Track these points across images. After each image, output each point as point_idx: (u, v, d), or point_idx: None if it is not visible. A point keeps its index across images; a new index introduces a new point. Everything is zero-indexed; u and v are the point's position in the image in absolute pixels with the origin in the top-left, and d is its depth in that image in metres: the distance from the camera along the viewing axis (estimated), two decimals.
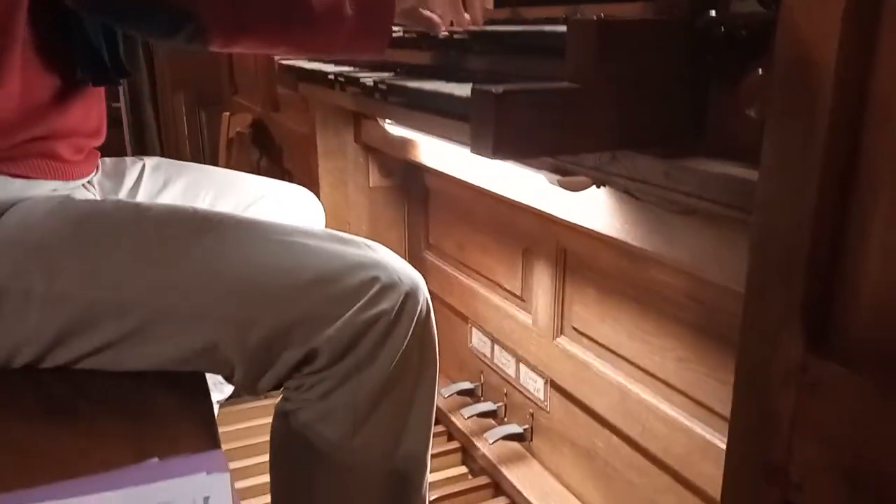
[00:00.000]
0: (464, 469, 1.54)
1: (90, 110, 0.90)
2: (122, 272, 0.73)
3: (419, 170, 1.67)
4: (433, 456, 1.50)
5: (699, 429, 0.99)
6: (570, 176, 0.86)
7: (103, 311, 0.72)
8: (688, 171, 0.68)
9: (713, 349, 0.96)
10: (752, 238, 0.56)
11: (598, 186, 0.87)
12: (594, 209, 0.95)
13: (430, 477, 1.35)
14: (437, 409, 1.61)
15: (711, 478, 0.97)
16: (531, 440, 1.43)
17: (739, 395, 0.60)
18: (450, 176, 1.55)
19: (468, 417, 1.50)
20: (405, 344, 0.79)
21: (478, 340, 1.58)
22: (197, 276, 0.74)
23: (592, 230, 0.96)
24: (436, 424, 1.60)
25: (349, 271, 0.77)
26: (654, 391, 1.08)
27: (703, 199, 0.68)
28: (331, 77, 1.10)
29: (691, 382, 1.00)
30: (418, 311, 0.81)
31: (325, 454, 0.79)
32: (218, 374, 0.80)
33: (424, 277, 1.68)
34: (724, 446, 0.95)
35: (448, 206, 1.62)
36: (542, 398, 1.37)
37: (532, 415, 1.41)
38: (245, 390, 0.82)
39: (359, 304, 0.76)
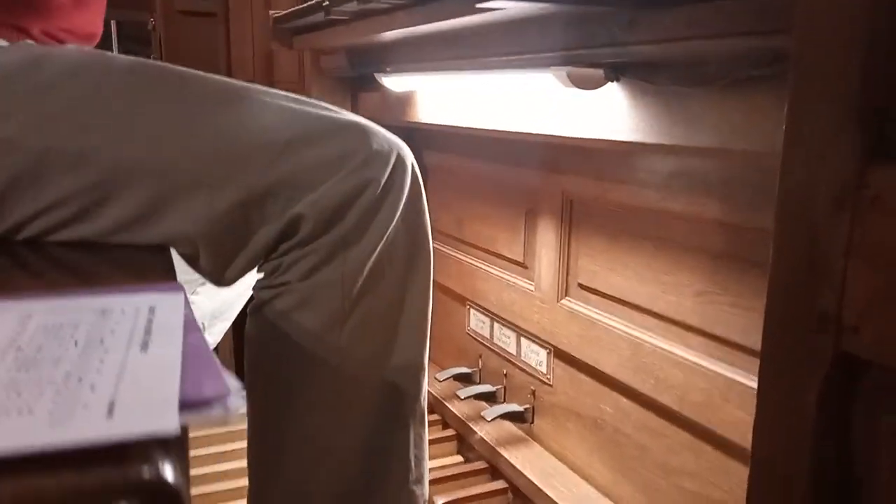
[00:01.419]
0: (459, 458, 1.43)
1: (97, 16, 0.85)
2: (77, 117, 0.65)
3: (417, 149, 1.61)
4: None
5: (720, 368, 0.90)
6: (581, 67, 0.79)
7: (55, 163, 0.64)
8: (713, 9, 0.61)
9: (737, 275, 0.88)
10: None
11: (614, 79, 0.81)
12: (608, 115, 0.88)
13: None
14: (431, 395, 1.52)
15: (734, 422, 0.87)
16: (532, 421, 1.33)
17: (781, 230, 0.52)
18: (450, 150, 1.50)
19: (465, 398, 1.40)
20: (394, 223, 0.71)
21: (476, 322, 1.50)
22: (156, 132, 0.66)
23: (609, 139, 0.88)
24: (430, 412, 1.51)
25: (334, 133, 0.69)
26: (668, 337, 0.99)
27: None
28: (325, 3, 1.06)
29: (712, 317, 0.92)
30: (408, 185, 0.73)
31: (308, 352, 0.70)
32: (179, 251, 0.72)
33: None
34: (749, 383, 0.87)
35: (447, 183, 1.56)
36: (544, 371, 1.28)
37: (533, 392, 1.32)
38: (211, 278, 0.74)
39: (346, 168, 0.68)
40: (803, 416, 0.52)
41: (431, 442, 1.41)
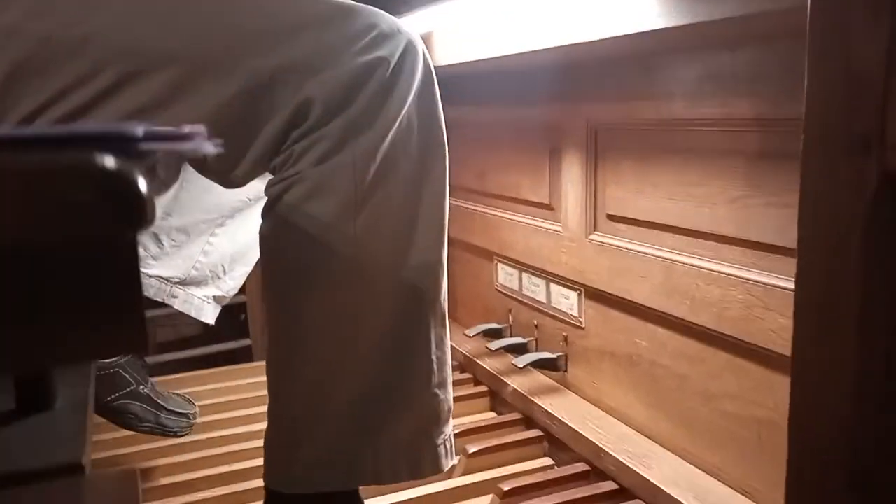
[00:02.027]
0: (492, 414, 1.39)
1: None
2: (79, 3, 0.63)
3: None
4: (456, 400, 1.36)
5: (759, 276, 0.85)
6: None
7: (58, 50, 0.62)
8: None
9: (771, 172, 0.83)
10: None
11: None
12: (630, 9, 0.84)
13: (455, 421, 1.22)
14: (461, 354, 1.48)
15: (777, 330, 0.82)
16: (566, 370, 1.29)
17: (815, 45, 0.48)
18: (469, 101, 1.47)
19: (495, 350, 1.36)
20: (406, 108, 0.68)
21: (504, 276, 1.46)
22: (160, 17, 0.64)
23: (637, 31, 0.84)
24: (461, 371, 1.48)
25: (343, 16, 0.67)
26: (702, 253, 0.94)
27: None
28: None
29: (747, 222, 0.87)
30: (420, 69, 0.70)
31: (322, 244, 0.67)
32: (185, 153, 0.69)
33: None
34: (789, 286, 0.82)
35: (467, 136, 1.52)
36: (575, 314, 1.23)
37: (566, 339, 1.27)
38: (219, 178, 0.71)
39: (355, 48, 0.65)
40: (848, 249, 0.48)
41: (462, 398, 1.37)
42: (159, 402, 1.12)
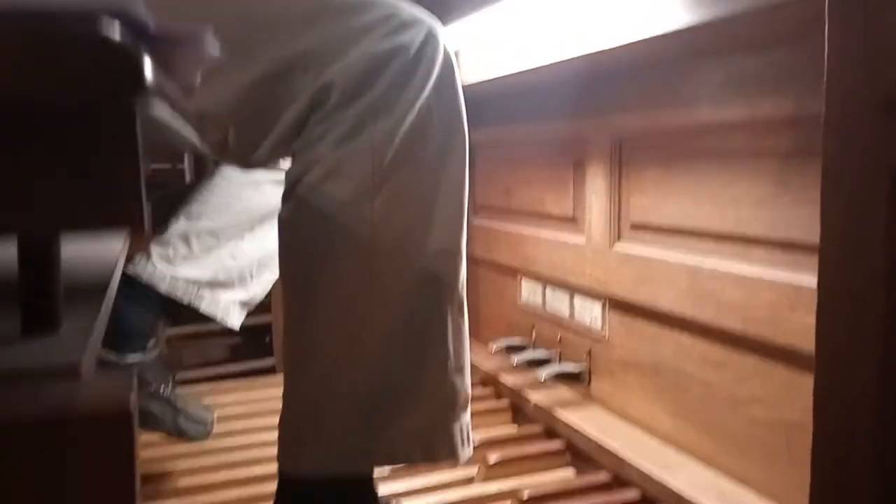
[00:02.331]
0: (514, 428, 1.38)
1: None
2: None
3: None
4: (477, 414, 1.35)
5: (785, 276, 0.85)
6: None
7: None
8: None
9: (797, 169, 0.84)
10: None
11: None
12: (654, 10, 0.85)
13: (475, 436, 1.21)
14: (483, 371, 1.47)
15: (803, 329, 0.82)
16: (589, 382, 1.28)
17: (834, 18, 0.49)
18: (494, 121, 1.49)
19: (517, 365, 1.36)
20: (426, 94, 0.70)
21: (528, 292, 1.46)
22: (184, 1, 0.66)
23: (664, 32, 0.85)
24: (483, 385, 1.47)
25: (364, 4, 0.69)
26: (728, 255, 0.94)
27: None
28: None
29: (773, 222, 0.87)
30: (440, 58, 0.72)
31: (339, 226, 0.68)
32: (208, 140, 0.71)
33: (471, 244, 1.61)
34: (815, 283, 0.82)
35: (493, 156, 1.55)
36: (599, 327, 1.23)
37: (589, 352, 1.27)
38: (238, 160, 0.73)
39: (377, 35, 0.67)
40: (875, 210, 0.48)
41: (484, 412, 1.37)
42: (178, 405, 1.13)
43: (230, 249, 1.13)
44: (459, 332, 0.75)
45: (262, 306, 2.29)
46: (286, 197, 0.72)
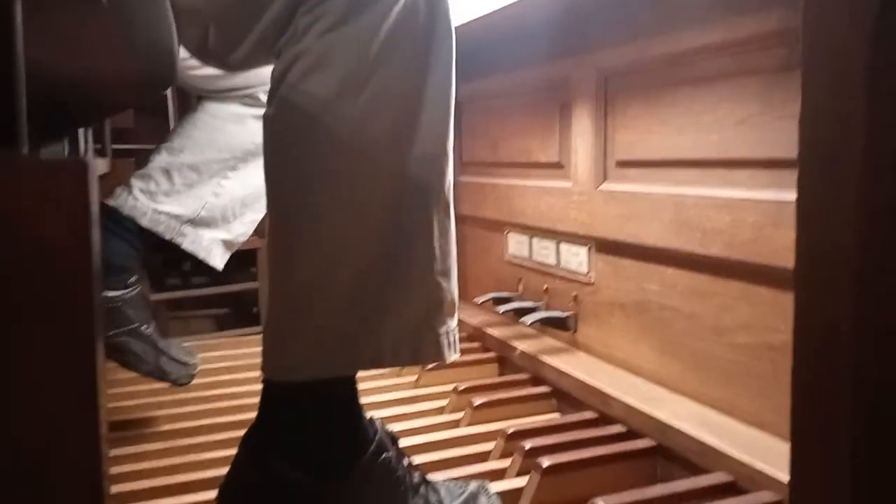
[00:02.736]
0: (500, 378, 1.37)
1: None
2: None
3: None
4: (464, 366, 1.34)
5: (769, 195, 0.85)
6: None
7: None
8: None
9: (779, 84, 0.83)
10: None
11: None
12: None
13: (461, 384, 1.20)
14: (470, 326, 1.47)
15: (789, 246, 0.81)
16: (575, 330, 1.27)
17: None
18: (481, 74, 1.48)
19: (504, 313, 1.35)
20: None
21: (515, 245, 1.45)
22: None
23: None
24: (470, 341, 1.46)
25: None
26: (713, 182, 0.94)
27: None
28: None
29: (757, 141, 0.86)
30: None
31: (322, 124, 0.66)
32: (185, 36, 0.70)
33: (458, 203, 1.59)
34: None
35: (480, 110, 1.54)
36: (585, 270, 1.22)
37: (575, 298, 1.26)
38: (218, 60, 0.72)
39: None
40: (853, 107, 0.47)
41: (470, 364, 1.36)
42: (161, 346, 1.10)
43: (213, 186, 1.12)
44: (446, 235, 0.73)
45: (249, 274, 2.28)
46: (271, 97, 0.70)
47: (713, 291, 0.95)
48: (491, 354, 1.40)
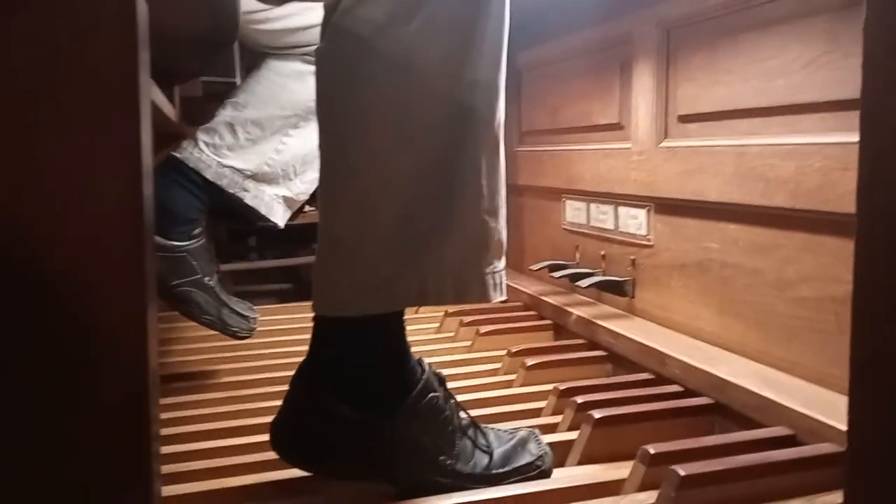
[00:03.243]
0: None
1: None
2: None
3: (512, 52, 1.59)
4: (518, 332, 1.33)
5: (836, 138, 0.81)
6: None
7: None
8: None
9: (850, 21, 0.79)
10: None
11: None
12: None
13: (514, 348, 1.19)
14: (526, 294, 1.45)
15: (854, 191, 0.77)
16: (633, 295, 1.24)
17: None
18: (541, 40, 1.47)
19: (559, 278, 1.33)
20: None
21: (572, 212, 1.43)
22: None
23: None
24: (525, 309, 1.45)
25: None
26: (777, 129, 0.90)
27: None
28: None
29: (825, 82, 0.83)
30: None
31: (373, 48, 0.66)
32: None
33: (516, 174, 1.58)
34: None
35: (540, 78, 1.52)
36: (644, 233, 1.20)
37: (633, 262, 1.24)
38: None
39: None
40: None
41: (525, 330, 1.35)
42: (223, 298, 1.13)
43: (275, 143, 1.13)
44: (494, 172, 0.72)
45: (311, 250, 2.31)
46: (323, 29, 0.71)
47: (776, 244, 0.92)
48: (546, 322, 1.38)
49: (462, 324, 1.36)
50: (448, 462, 0.74)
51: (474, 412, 0.96)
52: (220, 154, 1.09)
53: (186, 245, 1.08)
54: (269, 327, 1.41)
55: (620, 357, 1.14)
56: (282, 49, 1.16)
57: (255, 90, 1.13)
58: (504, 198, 0.74)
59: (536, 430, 0.86)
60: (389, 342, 0.75)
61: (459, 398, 1.00)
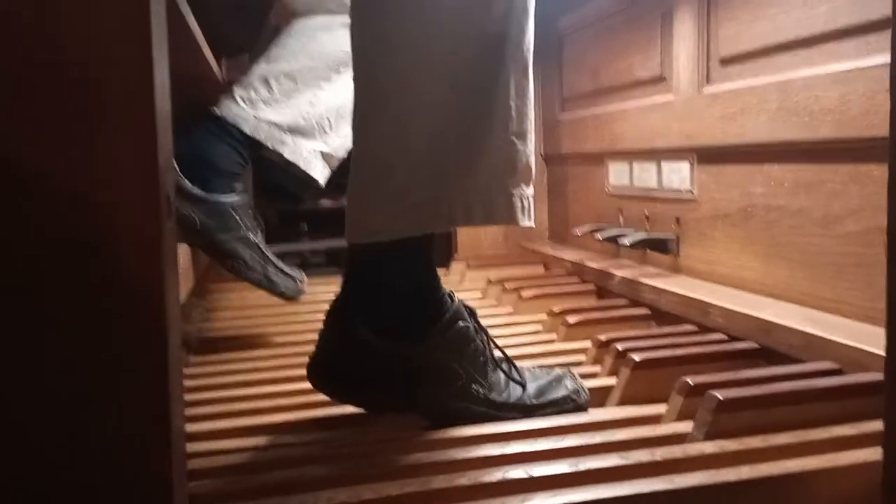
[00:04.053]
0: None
1: None
2: None
3: (552, 17, 1.58)
4: (561, 296, 1.31)
5: (880, 59, 0.77)
6: None
7: None
8: None
9: None
10: None
11: None
12: None
13: (556, 307, 1.17)
14: (567, 261, 1.43)
15: None
16: (677, 254, 1.21)
17: None
18: (579, 7, 1.45)
19: (604, 240, 1.31)
20: None
21: (615, 175, 1.41)
22: None
23: None
24: (568, 275, 1.43)
25: None
26: (821, 59, 0.87)
27: None
28: None
29: (867, 1, 0.79)
30: None
31: None
32: None
33: (559, 144, 1.56)
34: None
35: (580, 42, 1.50)
36: (688, 186, 1.17)
37: (677, 220, 1.21)
38: None
39: None
40: None
41: (568, 294, 1.32)
42: (269, 256, 1.12)
43: (309, 96, 1.13)
44: (523, 96, 0.72)
45: None
46: None
47: (821, 180, 0.88)
48: (590, 286, 1.36)
49: (504, 290, 1.35)
50: (481, 391, 0.74)
51: None
52: (256, 108, 1.10)
53: (229, 199, 1.08)
54: (317, 297, 1.42)
55: (663, 313, 1.11)
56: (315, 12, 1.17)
57: (286, 43, 1.14)
58: (532, 123, 0.73)
59: (572, 369, 0.84)
60: (419, 270, 0.75)
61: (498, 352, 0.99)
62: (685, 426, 0.70)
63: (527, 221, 0.73)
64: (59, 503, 0.36)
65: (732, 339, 0.93)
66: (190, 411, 0.80)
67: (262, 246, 1.11)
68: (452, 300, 0.76)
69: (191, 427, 0.74)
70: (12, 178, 0.33)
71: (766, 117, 0.95)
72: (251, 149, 1.10)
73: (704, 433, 0.66)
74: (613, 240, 1.31)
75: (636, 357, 0.85)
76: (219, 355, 1.07)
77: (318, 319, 1.23)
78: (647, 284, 1.16)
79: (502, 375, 0.77)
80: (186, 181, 1.02)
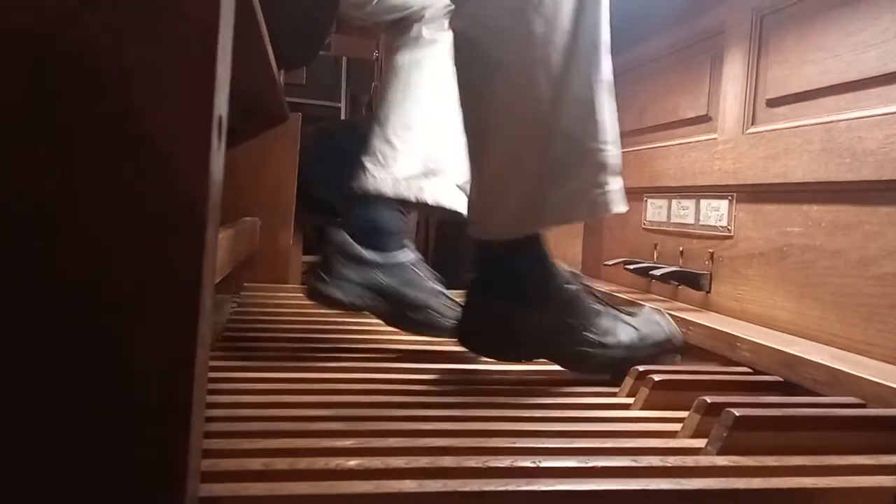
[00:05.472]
0: None
1: None
2: None
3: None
4: None
5: None
6: None
7: None
8: None
9: None
10: None
11: None
12: None
13: None
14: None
15: None
16: (709, 290, 1.21)
17: None
18: (630, 41, 1.47)
19: (633, 271, 1.31)
20: None
21: (652, 211, 1.42)
22: None
23: None
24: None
25: None
26: (868, 101, 0.88)
27: None
28: None
29: None
30: None
31: (505, 32, 0.79)
32: None
33: None
34: None
35: (628, 82, 1.52)
36: (725, 223, 1.17)
37: (711, 255, 1.21)
38: None
39: None
40: None
41: None
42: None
43: (426, 135, 1.13)
44: (612, 109, 0.86)
45: None
46: (455, 13, 0.85)
47: (859, 221, 0.88)
48: None
49: None
50: (593, 336, 0.88)
51: (539, 398, 0.96)
52: (388, 168, 1.10)
53: (408, 258, 1.08)
54: None
55: (690, 346, 1.10)
56: (374, 17, 1.19)
57: (387, 98, 1.14)
58: (617, 126, 0.86)
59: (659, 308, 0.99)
60: (539, 253, 0.88)
61: (521, 386, 1.00)
62: (699, 443, 0.70)
63: (622, 207, 0.86)
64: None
65: (758, 372, 0.93)
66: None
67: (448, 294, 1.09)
68: (562, 269, 0.90)
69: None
70: (55, 57, 0.33)
71: (808, 157, 0.95)
72: (402, 203, 1.11)
73: (718, 448, 0.65)
74: (644, 272, 1.31)
75: (655, 377, 0.85)
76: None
77: (351, 328, 1.26)
78: (675, 317, 1.15)
79: (608, 321, 0.90)
80: (362, 248, 1.05)
